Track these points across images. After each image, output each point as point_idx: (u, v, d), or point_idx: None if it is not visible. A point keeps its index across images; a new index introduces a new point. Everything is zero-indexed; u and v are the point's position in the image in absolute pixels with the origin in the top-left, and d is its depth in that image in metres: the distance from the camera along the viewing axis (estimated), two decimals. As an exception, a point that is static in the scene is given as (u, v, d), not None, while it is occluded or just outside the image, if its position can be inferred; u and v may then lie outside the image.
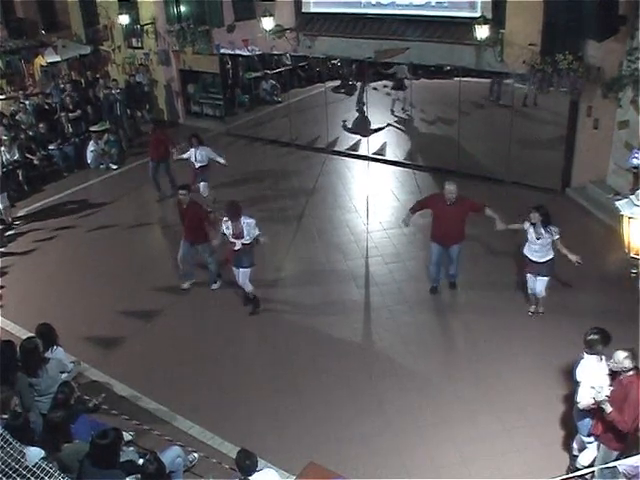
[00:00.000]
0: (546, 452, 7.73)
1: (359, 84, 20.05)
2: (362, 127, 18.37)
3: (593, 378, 6.75)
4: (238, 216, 10.25)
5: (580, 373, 7.00)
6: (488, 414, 8.37)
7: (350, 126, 19.12)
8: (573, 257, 9.48)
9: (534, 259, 9.77)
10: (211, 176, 14.67)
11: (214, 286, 11.65)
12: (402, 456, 7.85)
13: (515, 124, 14.68)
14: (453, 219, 10.33)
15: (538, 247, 9.66)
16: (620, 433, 6.46)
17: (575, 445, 7.40)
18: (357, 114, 19.66)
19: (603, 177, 13.44)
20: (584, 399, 6.80)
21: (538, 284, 9.93)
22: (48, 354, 8.27)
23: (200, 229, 11.10)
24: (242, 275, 10.59)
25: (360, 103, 19.85)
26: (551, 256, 9.74)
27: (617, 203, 6.98)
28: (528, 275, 10.06)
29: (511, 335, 9.83)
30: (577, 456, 7.28)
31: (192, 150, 14.05)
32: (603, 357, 6.82)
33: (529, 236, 9.71)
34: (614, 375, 6.65)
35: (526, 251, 9.88)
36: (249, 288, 10.78)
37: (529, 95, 15.76)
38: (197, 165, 14.12)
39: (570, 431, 7.67)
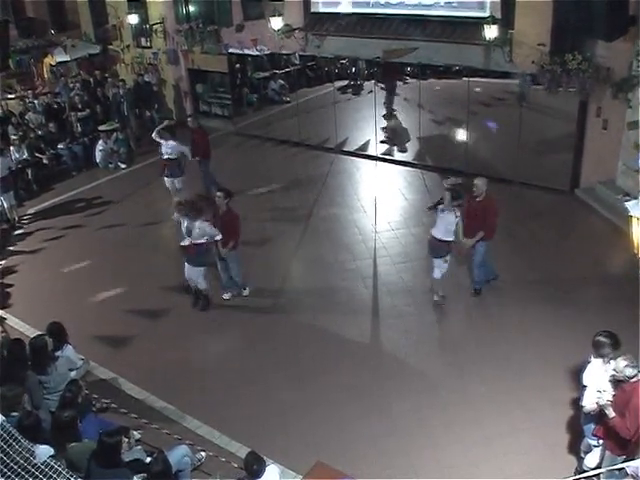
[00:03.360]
0: (553, 454, 7.71)
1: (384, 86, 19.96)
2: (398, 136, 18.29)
3: (599, 382, 6.72)
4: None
5: (587, 376, 6.99)
6: (495, 415, 8.36)
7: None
8: None
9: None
10: (218, 176, 14.74)
11: (245, 292, 11.50)
12: (409, 456, 7.85)
13: (524, 124, 14.64)
14: None
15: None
16: (622, 440, 6.41)
17: (582, 447, 7.38)
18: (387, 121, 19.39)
19: (612, 178, 13.38)
20: (589, 403, 6.78)
21: None
22: (58, 352, 8.32)
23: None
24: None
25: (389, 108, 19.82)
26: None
27: (626, 204, 6.98)
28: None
29: (519, 337, 9.80)
30: (584, 458, 7.26)
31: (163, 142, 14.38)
32: (610, 361, 6.77)
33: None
34: (618, 382, 6.59)
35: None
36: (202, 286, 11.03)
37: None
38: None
39: (577, 433, 7.64)
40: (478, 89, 16.25)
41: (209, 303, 11.17)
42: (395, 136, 18.25)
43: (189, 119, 15.04)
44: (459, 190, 9.88)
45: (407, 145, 17.70)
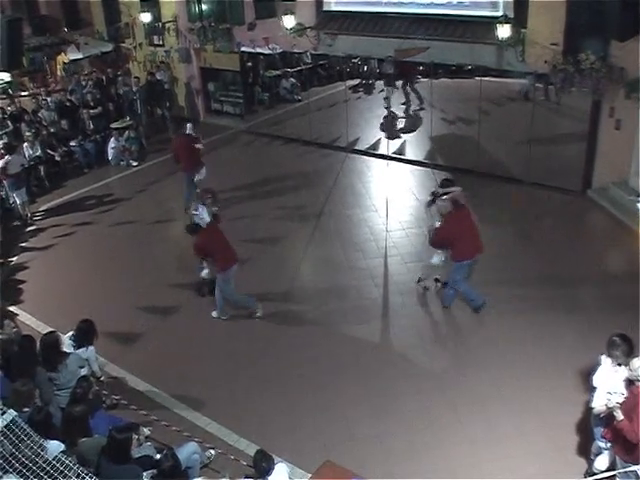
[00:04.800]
0: (563, 455, 7.68)
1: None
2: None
3: (609, 384, 6.70)
4: None
5: (597, 378, 6.96)
6: (504, 416, 8.33)
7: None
8: None
9: None
10: (229, 174, 14.75)
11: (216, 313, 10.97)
12: (417, 456, 7.84)
13: (535, 124, 14.58)
14: None
15: None
16: (630, 444, 6.35)
17: (592, 450, 7.35)
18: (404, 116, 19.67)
19: (625, 178, 13.30)
20: (598, 404, 6.76)
21: None
22: (81, 350, 8.36)
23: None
24: None
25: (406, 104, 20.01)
26: None
27: (639, 205, 6.93)
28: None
29: (529, 337, 9.76)
30: (594, 461, 7.23)
31: None
32: (622, 364, 6.74)
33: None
34: (631, 383, 6.57)
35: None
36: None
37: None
38: None
39: (587, 435, 7.59)
40: (490, 88, 16.23)
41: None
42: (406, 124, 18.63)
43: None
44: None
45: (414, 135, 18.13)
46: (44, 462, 5.75)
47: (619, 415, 6.34)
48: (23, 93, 20.70)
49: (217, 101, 21.59)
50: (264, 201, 14.91)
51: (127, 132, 18.20)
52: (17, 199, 14.65)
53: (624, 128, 13.05)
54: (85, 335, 8.55)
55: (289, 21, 16.81)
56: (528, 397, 8.59)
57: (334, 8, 16.98)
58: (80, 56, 21.11)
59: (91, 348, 8.58)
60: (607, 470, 6.89)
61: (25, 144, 16.03)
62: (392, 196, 14.49)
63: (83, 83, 19.82)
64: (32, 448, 5.80)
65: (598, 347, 7.16)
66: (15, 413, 6.03)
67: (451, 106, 18.77)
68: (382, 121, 19.09)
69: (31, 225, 14.80)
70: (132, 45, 21.93)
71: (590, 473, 7.19)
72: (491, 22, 13.88)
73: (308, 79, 21.37)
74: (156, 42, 21.41)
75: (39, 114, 18.17)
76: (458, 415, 8.42)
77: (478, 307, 10.47)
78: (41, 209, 15.62)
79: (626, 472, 6.47)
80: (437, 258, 10.68)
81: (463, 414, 8.42)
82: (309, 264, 12.54)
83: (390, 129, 18.52)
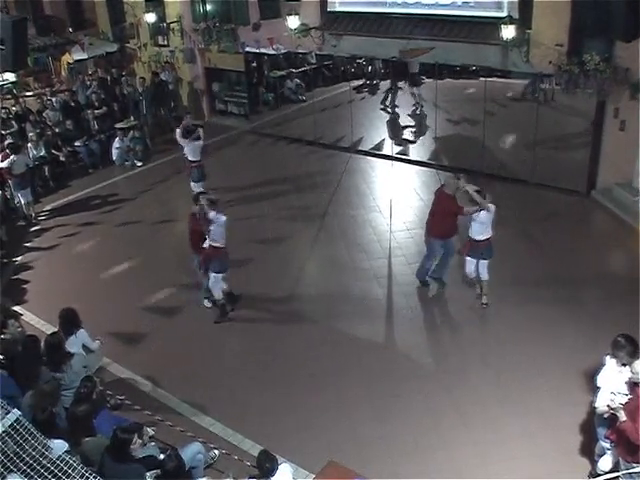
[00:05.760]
0: (567, 456, 7.66)
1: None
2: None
3: (613, 384, 6.68)
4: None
5: (601, 378, 6.95)
6: (509, 417, 8.31)
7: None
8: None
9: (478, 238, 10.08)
10: (233, 174, 14.73)
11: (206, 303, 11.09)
12: (422, 457, 7.83)
13: (540, 125, 14.56)
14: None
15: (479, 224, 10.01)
16: (633, 445, 6.33)
17: (596, 450, 7.34)
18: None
19: (629, 179, 13.27)
20: (602, 404, 6.75)
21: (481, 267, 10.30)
22: (72, 338, 8.47)
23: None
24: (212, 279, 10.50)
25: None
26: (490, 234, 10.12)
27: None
28: (468, 259, 10.36)
29: (533, 338, 9.74)
30: (598, 461, 7.22)
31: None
32: (626, 364, 6.73)
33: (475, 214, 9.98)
34: (634, 385, 6.55)
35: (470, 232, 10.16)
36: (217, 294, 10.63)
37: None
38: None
39: (591, 436, 7.57)
40: (495, 89, 16.21)
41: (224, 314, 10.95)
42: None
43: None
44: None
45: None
46: (48, 462, 5.76)
47: (621, 416, 6.34)
48: (28, 93, 20.73)
49: (222, 101, 21.60)
50: (268, 201, 14.91)
51: (132, 132, 18.22)
52: (22, 199, 14.71)
53: (628, 129, 13.01)
54: (71, 321, 8.71)
55: (294, 21, 16.82)
56: (532, 398, 8.57)
57: (339, 9, 16.97)
58: (85, 56, 21.17)
59: (81, 330, 8.74)
60: (611, 471, 6.87)
61: (30, 144, 16.06)
62: (396, 197, 14.48)
63: (88, 83, 19.86)
64: (36, 448, 5.81)
65: (602, 347, 7.16)
66: (19, 413, 6.04)
67: (456, 107, 18.75)
68: (413, 123, 19.03)
69: (35, 225, 14.84)
70: (137, 45, 21.95)
71: (594, 474, 7.19)
72: (496, 23, 13.86)
73: (312, 79, 21.37)
74: (161, 42, 21.42)
75: (44, 114, 18.20)
76: (462, 416, 8.41)
77: (424, 281, 11.20)
78: (46, 209, 15.65)
79: (630, 473, 6.47)
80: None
81: (467, 415, 8.41)
82: (313, 264, 12.54)
83: (421, 130, 18.54)
